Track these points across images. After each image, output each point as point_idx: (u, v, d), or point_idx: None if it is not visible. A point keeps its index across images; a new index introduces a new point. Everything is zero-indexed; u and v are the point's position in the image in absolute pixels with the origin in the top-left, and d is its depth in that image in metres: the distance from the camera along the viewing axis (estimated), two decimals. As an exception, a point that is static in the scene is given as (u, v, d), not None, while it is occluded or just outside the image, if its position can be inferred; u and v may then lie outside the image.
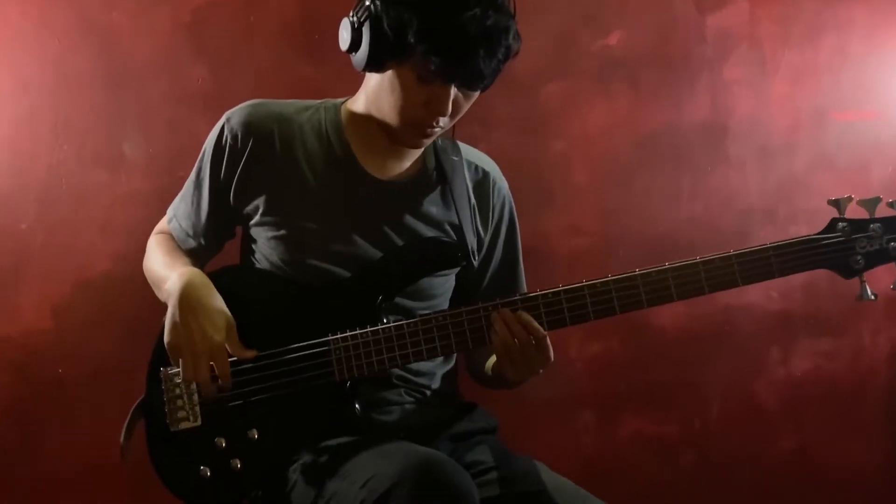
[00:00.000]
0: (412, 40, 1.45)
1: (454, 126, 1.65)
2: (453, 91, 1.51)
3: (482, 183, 1.74)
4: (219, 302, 1.58)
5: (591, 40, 2.32)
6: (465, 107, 1.57)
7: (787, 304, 2.38)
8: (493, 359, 1.65)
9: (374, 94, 1.58)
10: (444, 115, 1.53)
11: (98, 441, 2.03)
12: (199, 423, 1.59)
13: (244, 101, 1.71)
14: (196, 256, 1.75)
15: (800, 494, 2.38)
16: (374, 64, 1.52)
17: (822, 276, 2.34)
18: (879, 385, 2.40)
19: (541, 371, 1.54)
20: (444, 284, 1.70)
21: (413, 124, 1.55)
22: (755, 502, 2.37)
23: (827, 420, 2.40)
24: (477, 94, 1.57)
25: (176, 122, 2.18)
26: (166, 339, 1.57)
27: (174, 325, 1.56)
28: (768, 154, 2.36)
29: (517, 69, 2.31)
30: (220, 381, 1.56)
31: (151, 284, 1.74)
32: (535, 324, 1.50)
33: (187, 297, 1.56)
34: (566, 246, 2.31)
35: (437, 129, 1.57)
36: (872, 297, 1.48)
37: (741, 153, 2.36)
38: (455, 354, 1.75)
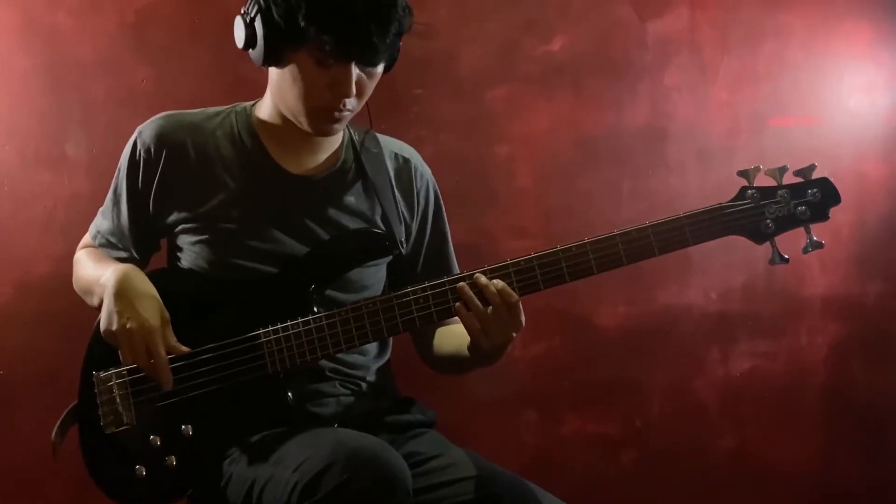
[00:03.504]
0: (303, 23, 1.48)
1: (371, 118, 1.68)
2: (355, 71, 1.53)
3: (404, 170, 1.76)
4: (153, 292, 1.59)
5: (535, 46, 2.36)
6: (370, 86, 1.59)
7: (726, 305, 2.43)
8: (443, 338, 1.71)
9: (278, 88, 1.60)
10: (348, 96, 1.55)
11: (38, 443, 2.00)
12: (133, 423, 1.59)
13: (187, 102, 1.72)
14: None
15: (738, 491, 2.43)
16: (272, 56, 1.55)
17: (760, 278, 2.47)
18: (816, 385, 2.46)
19: (514, 335, 1.53)
20: (374, 275, 1.71)
21: (320, 110, 1.57)
22: (695, 499, 2.40)
23: (765, 419, 2.44)
24: (379, 71, 1.58)
25: (119, 123, 2.15)
26: (102, 326, 1.57)
27: (109, 314, 1.56)
28: (707, 158, 2.41)
29: (463, 73, 2.36)
30: (155, 365, 1.55)
31: (82, 294, 1.73)
32: (509, 288, 1.51)
33: (122, 286, 1.57)
34: (510, 245, 2.33)
35: (346, 113, 1.58)
36: (785, 260, 1.52)
37: (681, 157, 2.41)
38: (389, 349, 1.77)
